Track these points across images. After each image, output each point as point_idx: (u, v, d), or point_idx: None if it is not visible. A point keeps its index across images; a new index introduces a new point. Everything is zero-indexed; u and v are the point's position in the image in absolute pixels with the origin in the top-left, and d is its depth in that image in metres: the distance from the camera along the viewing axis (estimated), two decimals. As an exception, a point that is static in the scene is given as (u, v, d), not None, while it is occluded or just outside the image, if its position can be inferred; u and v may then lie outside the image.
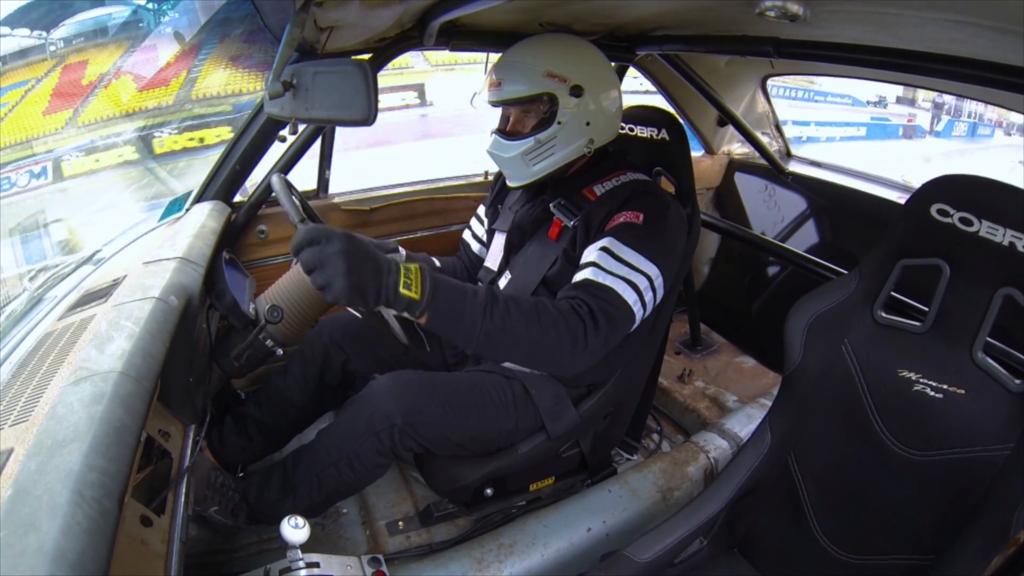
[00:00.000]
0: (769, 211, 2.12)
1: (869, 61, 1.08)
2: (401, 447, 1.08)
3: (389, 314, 1.21)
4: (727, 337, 2.15)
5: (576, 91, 1.10)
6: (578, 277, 1.03)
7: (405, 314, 0.85)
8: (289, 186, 1.22)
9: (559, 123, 1.11)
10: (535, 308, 0.94)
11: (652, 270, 1.03)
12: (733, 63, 1.85)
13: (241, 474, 1.23)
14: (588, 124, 1.13)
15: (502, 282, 1.25)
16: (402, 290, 0.82)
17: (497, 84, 1.11)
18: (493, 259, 1.32)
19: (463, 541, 1.22)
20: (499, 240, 1.31)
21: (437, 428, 1.09)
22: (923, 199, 0.82)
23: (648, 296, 1.04)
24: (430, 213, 1.74)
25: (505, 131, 1.17)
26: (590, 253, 1.06)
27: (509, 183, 1.22)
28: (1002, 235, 0.75)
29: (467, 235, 1.47)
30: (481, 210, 1.45)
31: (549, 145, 1.12)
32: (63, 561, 0.45)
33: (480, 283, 1.34)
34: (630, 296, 1.01)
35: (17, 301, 1.24)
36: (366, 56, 1.26)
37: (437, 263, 1.41)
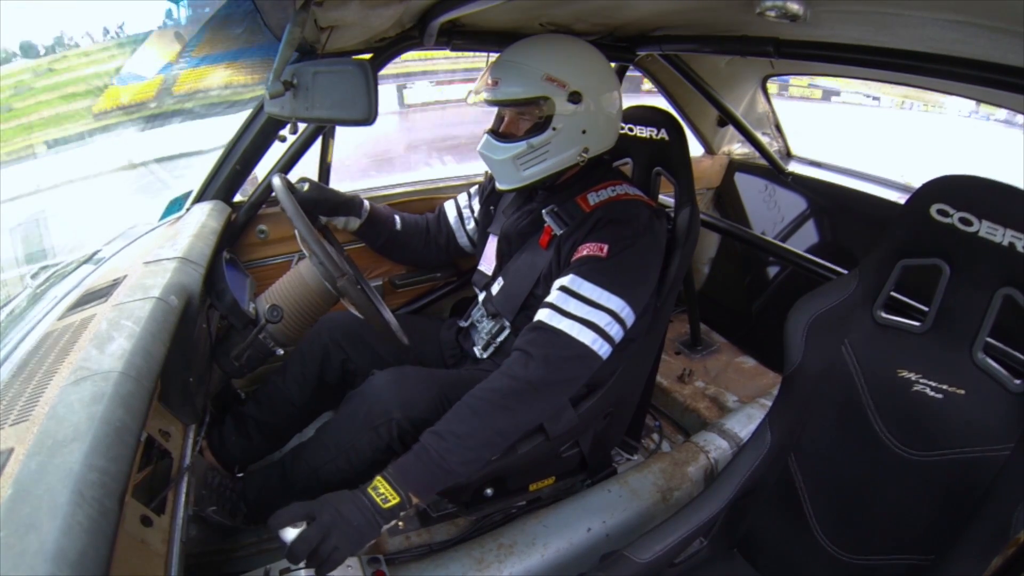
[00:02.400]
0: (769, 211, 2.12)
1: (869, 61, 1.08)
2: (399, 442, 1.07)
3: (389, 313, 1.21)
4: (727, 337, 2.15)
5: (574, 97, 1.07)
6: (536, 317, 1.04)
7: (402, 514, 0.91)
8: (290, 187, 1.22)
9: (554, 129, 1.08)
10: (474, 411, 0.97)
11: (616, 304, 1.02)
12: (733, 63, 1.85)
13: (240, 474, 1.23)
14: (584, 132, 1.11)
15: (495, 287, 1.25)
16: (385, 506, 0.89)
17: (494, 83, 1.09)
18: (487, 263, 1.32)
19: (463, 541, 1.22)
20: (492, 244, 1.31)
21: (435, 422, 1.09)
22: (923, 199, 0.82)
23: (613, 330, 1.03)
24: (428, 212, 1.75)
25: (498, 132, 1.15)
26: (552, 290, 1.05)
27: (498, 186, 1.21)
28: (1002, 235, 0.75)
29: (449, 205, 1.48)
30: (474, 189, 1.46)
31: (542, 151, 1.10)
32: (63, 561, 0.45)
33: (474, 286, 1.35)
34: (586, 336, 1.00)
35: (18, 299, 1.24)
36: (366, 56, 1.26)
37: (399, 223, 1.42)
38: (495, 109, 1.17)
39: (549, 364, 0.98)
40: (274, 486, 1.12)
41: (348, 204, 1.35)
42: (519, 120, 1.13)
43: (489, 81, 1.10)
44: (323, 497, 0.88)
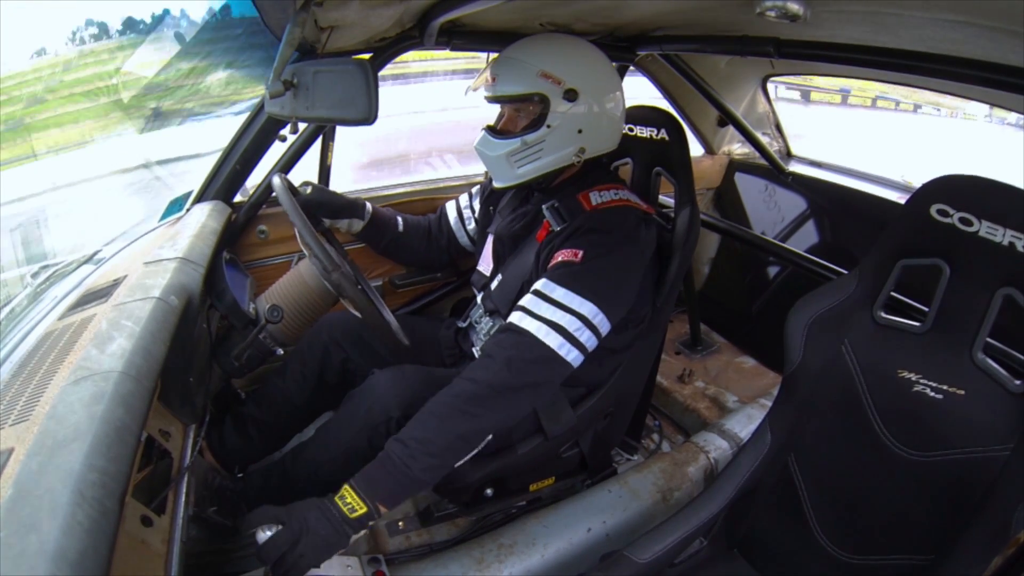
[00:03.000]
0: (769, 211, 2.12)
1: (869, 61, 1.08)
2: None
3: (388, 313, 1.21)
4: (727, 337, 2.15)
5: (570, 95, 1.07)
6: (507, 319, 1.03)
7: (371, 523, 0.90)
8: (291, 187, 1.22)
9: (548, 127, 1.08)
10: (437, 416, 0.96)
11: (588, 309, 0.99)
12: (733, 63, 1.85)
13: (241, 475, 1.23)
14: (580, 132, 1.10)
15: (494, 284, 1.25)
16: (353, 516, 0.88)
17: (492, 80, 1.10)
18: (486, 263, 1.32)
19: (463, 541, 1.22)
20: (491, 243, 1.31)
21: None
22: (923, 199, 0.82)
23: (583, 336, 1.00)
24: (430, 212, 1.75)
25: (495, 129, 1.15)
26: (525, 294, 1.05)
27: (494, 183, 1.21)
28: (1002, 235, 0.75)
29: (450, 205, 1.48)
30: (475, 189, 1.46)
31: (536, 148, 1.10)
32: (63, 561, 0.45)
33: (473, 286, 1.35)
34: (552, 340, 0.98)
35: (19, 297, 1.24)
36: (367, 55, 1.26)
37: (402, 225, 1.43)
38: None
39: (511, 367, 0.97)
40: (275, 486, 1.12)
41: (351, 207, 1.35)
42: (516, 117, 1.13)
43: (488, 77, 1.11)
44: (293, 504, 0.88)
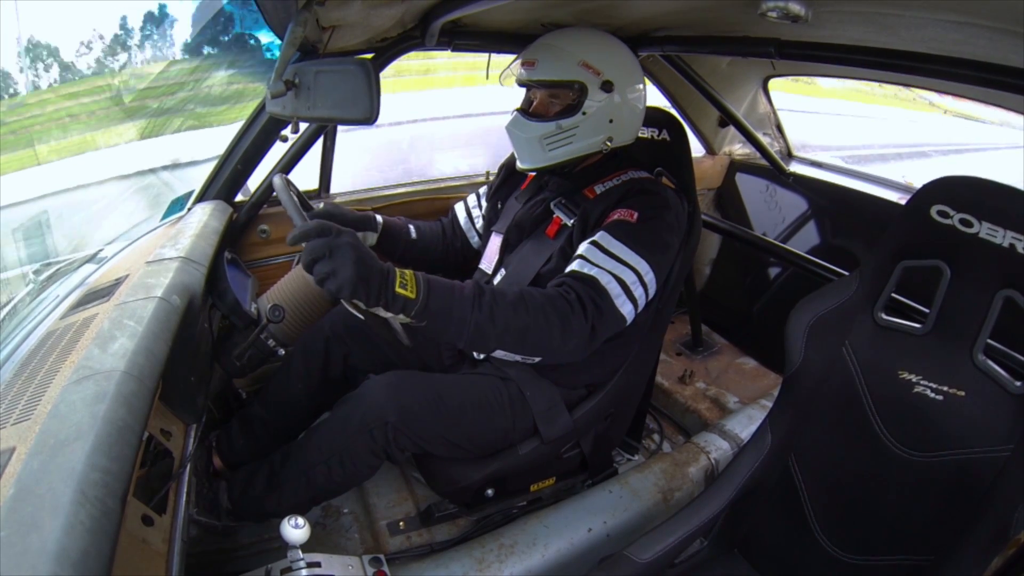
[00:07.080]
0: (770, 212, 2.12)
1: (870, 62, 1.08)
2: (395, 446, 1.07)
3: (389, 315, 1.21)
4: (728, 338, 2.15)
5: (607, 86, 1.11)
6: (566, 269, 1.05)
7: (400, 316, 0.87)
8: (291, 186, 1.22)
9: (584, 114, 1.12)
10: (520, 296, 0.95)
11: (642, 266, 1.03)
12: (734, 63, 1.85)
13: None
14: (611, 121, 1.14)
15: (498, 278, 1.25)
16: (398, 289, 0.85)
17: (531, 64, 1.12)
18: (488, 260, 1.32)
19: (464, 541, 1.22)
20: (495, 242, 1.31)
21: (431, 427, 1.09)
22: (923, 200, 0.82)
23: (638, 292, 1.03)
24: (431, 213, 1.74)
25: (528, 111, 1.18)
26: (581, 247, 1.07)
27: (520, 164, 1.22)
28: (1002, 237, 0.75)
29: (459, 207, 1.48)
30: (483, 189, 1.46)
31: (570, 133, 1.13)
32: (65, 560, 0.45)
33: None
34: (613, 288, 1.00)
35: (21, 294, 1.24)
36: (368, 55, 1.27)
37: (413, 231, 1.42)
38: None
39: (598, 310, 0.99)
40: (260, 485, 1.11)
41: (363, 221, 1.34)
42: (550, 102, 1.15)
43: (525, 62, 1.13)
44: (353, 232, 0.86)
